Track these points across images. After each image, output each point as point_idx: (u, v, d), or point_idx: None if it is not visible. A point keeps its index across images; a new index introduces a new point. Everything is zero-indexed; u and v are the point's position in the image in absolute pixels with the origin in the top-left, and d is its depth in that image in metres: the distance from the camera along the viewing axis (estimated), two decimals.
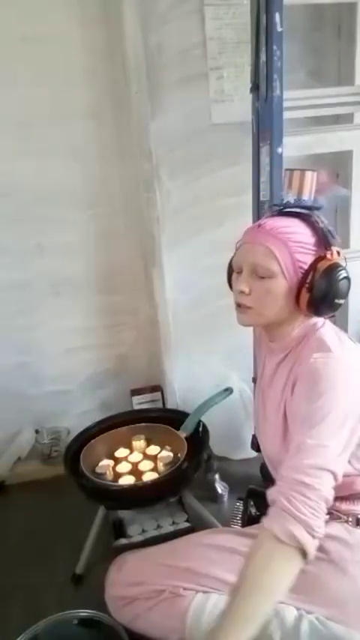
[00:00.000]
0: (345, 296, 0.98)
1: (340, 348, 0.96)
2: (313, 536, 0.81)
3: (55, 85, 1.57)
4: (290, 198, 1.03)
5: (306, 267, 0.96)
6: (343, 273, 0.96)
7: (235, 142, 1.62)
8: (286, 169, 1.04)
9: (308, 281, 0.95)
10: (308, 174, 1.02)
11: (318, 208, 1.02)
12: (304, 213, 1.01)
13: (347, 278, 0.97)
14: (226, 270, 1.09)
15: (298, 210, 1.03)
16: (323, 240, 0.97)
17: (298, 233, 0.97)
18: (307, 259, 0.96)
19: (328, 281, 0.94)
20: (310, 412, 0.89)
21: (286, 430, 1.03)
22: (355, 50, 1.59)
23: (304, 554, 0.81)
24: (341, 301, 0.97)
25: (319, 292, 0.94)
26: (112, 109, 1.63)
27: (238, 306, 1.02)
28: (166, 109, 1.61)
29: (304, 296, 0.96)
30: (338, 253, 0.98)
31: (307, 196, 1.02)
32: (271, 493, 0.86)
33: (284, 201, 1.06)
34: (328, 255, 0.96)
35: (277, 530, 0.80)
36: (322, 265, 0.95)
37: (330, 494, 0.84)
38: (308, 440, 0.86)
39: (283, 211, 1.04)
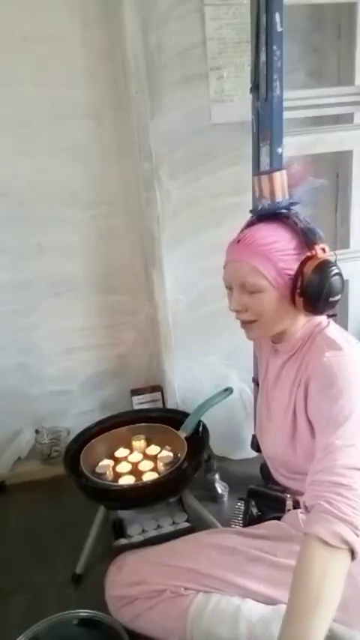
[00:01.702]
0: (340, 292, 0.97)
1: (348, 345, 0.96)
2: (358, 535, 0.80)
3: (55, 85, 1.57)
4: (265, 203, 1.02)
5: (292, 272, 0.96)
6: (333, 270, 0.95)
7: (235, 142, 1.62)
8: (254, 175, 1.03)
9: (299, 286, 0.95)
10: (276, 175, 1.00)
11: (295, 204, 1.01)
12: (282, 215, 1.00)
13: (339, 274, 0.96)
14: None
15: (274, 212, 1.02)
16: (305, 241, 0.97)
17: (278, 241, 0.97)
18: (293, 264, 0.96)
19: (318, 281, 0.93)
20: (333, 413, 0.88)
21: (295, 430, 1.03)
22: (355, 50, 1.59)
23: (352, 553, 0.79)
24: (337, 298, 0.97)
25: (311, 295, 0.94)
26: (112, 109, 1.63)
27: (242, 323, 1.04)
28: (166, 109, 1.61)
29: (299, 300, 0.97)
30: (324, 250, 0.97)
31: (281, 197, 1.00)
32: (308, 499, 0.85)
33: (259, 208, 1.04)
34: (314, 255, 0.96)
35: (325, 535, 0.78)
36: (309, 267, 0.94)
37: None
38: (336, 441, 0.85)
39: (261, 217, 1.04)
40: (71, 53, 1.56)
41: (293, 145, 1.47)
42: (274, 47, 1.28)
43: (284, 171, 1.02)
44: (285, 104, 1.36)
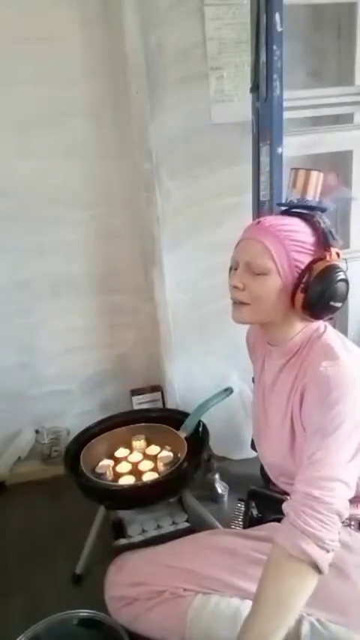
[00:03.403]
0: (343, 299, 0.95)
1: (346, 354, 0.94)
2: (327, 550, 0.81)
3: (55, 85, 1.57)
4: (294, 197, 1.02)
5: (303, 266, 0.94)
6: (340, 275, 0.93)
7: (235, 142, 1.62)
8: (292, 168, 1.04)
9: (304, 281, 0.93)
10: (314, 174, 1.01)
11: (323, 210, 1.00)
12: (307, 214, 0.99)
13: (345, 280, 0.94)
14: (229, 268, 1.07)
15: (300, 210, 1.01)
16: (323, 241, 0.95)
17: (298, 232, 0.96)
18: (305, 259, 0.95)
19: (324, 282, 0.92)
20: (324, 423, 0.87)
21: (294, 438, 1.01)
22: (355, 50, 1.59)
23: (317, 568, 0.80)
24: (338, 304, 0.95)
25: (314, 293, 0.92)
26: (112, 108, 1.63)
27: (234, 302, 1.01)
28: (166, 109, 1.61)
29: (299, 296, 0.94)
30: (338, 255, 0.96)
31: (312, 197, 1.01)
32: (284, 507, 0.86)
33: (288, 201, 1.04)
34: (327, 257, 0.94)
35: (287, 545, 0.80)
36: (319, 266, 0.93)
37: (343, 506, 0.83)
38: (318, 452, 0.85)
39: (287, 211, 1.03)
40: (71, 53, 1.56)
41: (293, 145, 1.47)
42: (274, 47, 1.29)
43: (322, 174, 1.02)
44: (285, 104, 1.36)
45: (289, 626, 0.81)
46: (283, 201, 1.09)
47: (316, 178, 1.02)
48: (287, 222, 0.97)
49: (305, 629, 0.91)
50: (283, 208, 1.06)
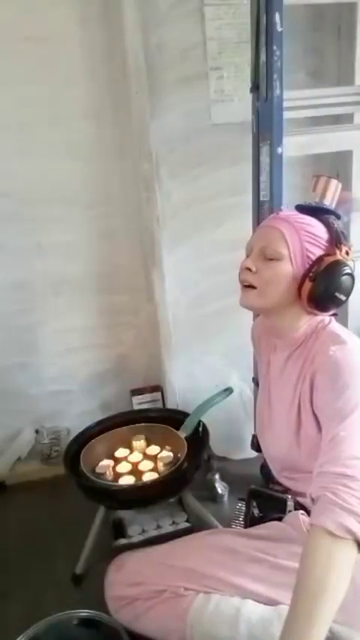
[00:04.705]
0: (348, 293, 1.00)
1: (351, 339, 0.99)
2: None
3: (55, 85, 1.57)
4: (313, 200, 1.09)
5: (314, 258, 0.99)
6: (347, 270, 0.98)
7: (235, 142, 1.62)
8: (314, 175, 1.11)
9: (313, 271, 0.98)
10: (333, 182, 1.11)
11: (338, 216, 1.06)
12: (323, 215, 1.05)
13: (351, 275, 0.99)
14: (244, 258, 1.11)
15: (318, 210, 1.07)
16: (335, 239, 1.01)
17: (313, 226, 1.02)
18: (316, 251, 1.00)
19: (331, 274, 0.97)
20: (340, 405, 0.90)
21: (300, 425, 1.04)
22: (355, 50, 1.59)
23: (358, 544, 0.79)
24: (342, 297, 1.00)
25: (321, 283, 0.97)
26: (112, 109, 1.63)
27: (243, 286, 1.05)
28: (166, 109, 1.61)
29: (307, 285, 0.99)
30: (347, 253, 1.01)
31: (329, 202, 1.08)
32: (314, 490, 0.85)
33: (307, 203, 1.11)
34: (337, 253, 0.99)
35: (330, 525, 0.78)
36: (329, 259, 0.98)
37: None
38: (342, 432, 0.87)
39: (304, 209, 1.08)
40: (71, 53, 1.56)
41: (293, 145, 1.47)
42: (274, 47, 1.29)
43: (340, 184, 1.10)
44: (285, 104, 1.36)
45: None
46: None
47: (335, 186, 1.10)
48: (304, 217, 1.04)
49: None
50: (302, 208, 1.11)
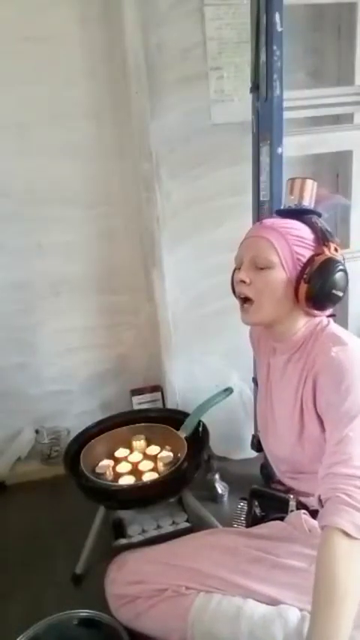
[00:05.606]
0: (343, 288, 1.01)
1: (352, 340, 0.99)
2: None
3: (55, 85, 1.57)
4: (291, 204, 1.10)
5: (304, 260, 1.00)
6: (340, 266, 0.99)
7: (235, 142, 1.62)
8: (288, 179, 1.11)
9: (306, 272, 0.99)
10: (309, 182, 1.10)
11: (318, 214, 1.06)
12: (304, 216, 1.05)
13: (344, 271, 1.00)
14: (232, 273, 1.12)
15: (298, 212, 1.07)
16: (321, 238, 1.01)
17: (298, 229, 1.02)
18: (306, 253, 1.01)
19: (325, 272, 0.98)
20: (346, 406, 0.90)
21: (303, 427, 1.04)
22: (355, 50, 1.59)
23: None
24: (339, 293, 1.00)
25: (316, 283, 0.97)
26: (112, 108, 1.63)
27: (241, 302, 1.05)
28: (166, 109, 1.61)
29: (303, 287, 0.99)
30: (336, 250, 1.01)
31: (307, 202, 1.08)
32: (324, 491, 0.85)
33: (286, 207, 1.11)
34: (326, 251, 1.00)
35: (346, 526, 0.78)
36: (320, 258, 0.99)
37: None
38: (350, 433, 0.87)
39: (285, 213, 1.09)
40: (71, 53, 1.56)
41: (293, 145, 1.47)
42: (274, 47, 1.29)
43: (316, 183, 1.09)
44: (285, 104, 1.36)
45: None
46: (282, 205, 1.16)
47: (311, 186, 1.10)
48: (288, 222, 1.04)
49: (308, 626, 0.91)
50: (282, 212, 1.11)
